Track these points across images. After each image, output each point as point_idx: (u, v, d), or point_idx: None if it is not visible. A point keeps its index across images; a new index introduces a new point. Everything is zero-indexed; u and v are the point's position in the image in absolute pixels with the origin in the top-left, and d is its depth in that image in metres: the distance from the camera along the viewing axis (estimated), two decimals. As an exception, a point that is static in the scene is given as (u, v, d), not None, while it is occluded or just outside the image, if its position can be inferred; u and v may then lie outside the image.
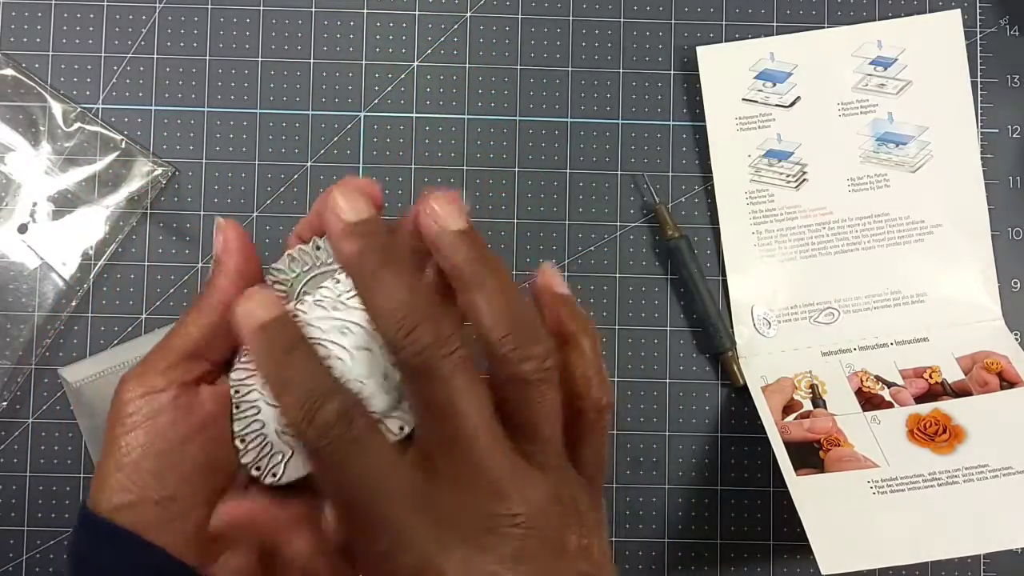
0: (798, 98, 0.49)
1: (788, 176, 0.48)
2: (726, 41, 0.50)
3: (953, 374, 0.46)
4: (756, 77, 0.49)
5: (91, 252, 0.48)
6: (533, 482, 0.26)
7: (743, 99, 0.49)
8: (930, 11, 0.49)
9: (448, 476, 0.25)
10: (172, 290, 0.48)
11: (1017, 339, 0.48)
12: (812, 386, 0.46)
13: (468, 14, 0.50)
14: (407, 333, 0.25)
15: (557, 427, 0.27)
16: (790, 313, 0.48)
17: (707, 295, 0.48)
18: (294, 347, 0.26)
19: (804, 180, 0.48)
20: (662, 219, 0.48)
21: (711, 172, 0.49)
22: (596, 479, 0.28)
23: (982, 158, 0.49)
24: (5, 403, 0.47)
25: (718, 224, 0.49)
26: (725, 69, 0.49)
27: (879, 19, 0.50)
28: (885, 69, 0.49)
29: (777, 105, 0.49)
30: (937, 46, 0.49)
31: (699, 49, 0.49)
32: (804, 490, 0.42)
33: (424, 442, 0.27)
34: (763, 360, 0.47)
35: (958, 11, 0.49)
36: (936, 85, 0.49)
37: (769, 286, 0.48)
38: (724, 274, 0.48)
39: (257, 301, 0.27)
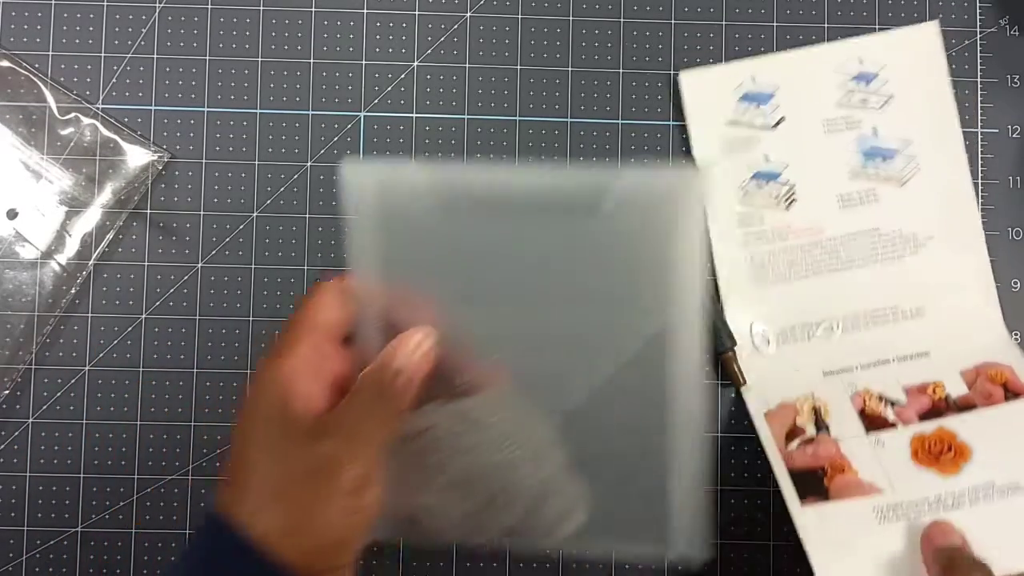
0: (783, 118, 0.48)
1: (777, 197, 0.48)
2: (726, 40, 0.50)
3: (957, 388, 0.45)
4: (740, 99, 0.48)
5: (90, 239, 0.48)
6: None
7: (728, 122, 0.49)
8: (929, 17, 0.49)
9: None
10: (172, 290, 0.48)
11: (1017, 340, 0.48)
12: (815, 409, 0.46)
13: (468, 14, 0.50)
14: None
15: None
16: (788, 334, 0.48)
17: (708, 296, 0.48)
18: None
19: (793, 200, 0.48)
20: None
21: (711, 172, 0.49)
22: None
23: (982, 158, 0.49)
24: (7, 391, 0.47)
25: (718, 224, 0.49)
26: (708, 93, 0.48)
27: (874, 30, 0.50)
28: (867, 84, 0.49)
29: (762, 127, 0.48)
30: (917, 58, 0.49)
31: (681, 75, 0.49)
32: (809, 521, 0.41)
33: None
34: (764, 384, 0.47)
35: (935, 22, 0.49)
36: (918, 97, 0.49)
37: (764, 308, 0.48)
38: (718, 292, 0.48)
39: None
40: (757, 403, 0.46)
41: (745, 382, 0.47)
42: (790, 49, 0.49)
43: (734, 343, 0.48)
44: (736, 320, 0.48)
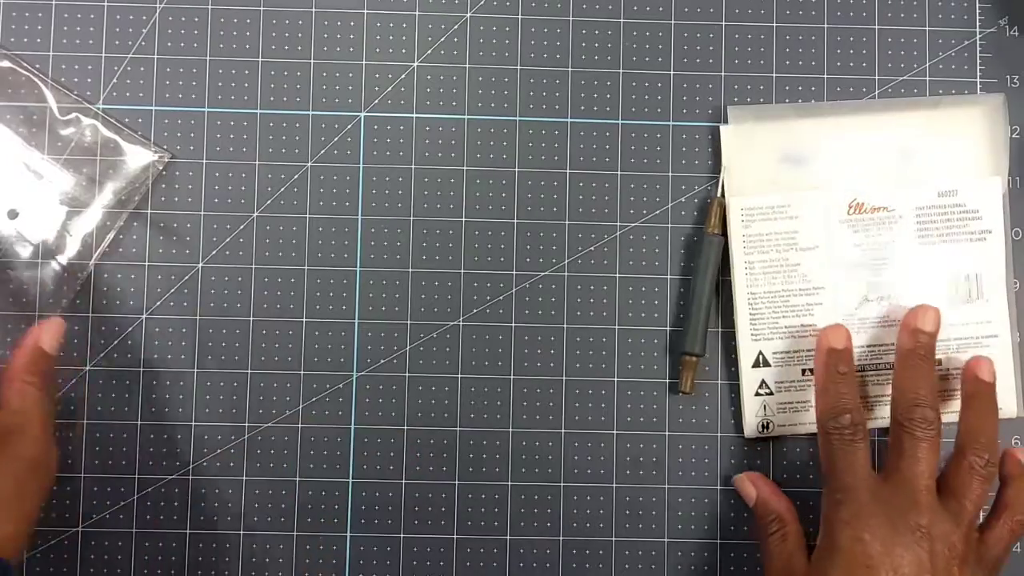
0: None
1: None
2: (726, 40, 0.50)
3: None
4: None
5: (91, 239, 0.48)
6: (942, 520, 0.40)
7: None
8: (929, 16, 0.49)
9: (896, 485, 0.41)
10: (172, 290, 0.48)
11: (1019, 340, 0.48)
12: None
13: (468, 14, 0.50)
14: (911, 407, 0.42)
15: (977, 506, 0.41)
16: None
17: (707, 296, 0.47)
18: (846, 372, 0.43)
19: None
20: (714, 212, 0.47)
21: (711, 172, 0.49)
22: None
23: (982, 158, 0.49)
24: None
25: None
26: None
27: (873, 28, 0.50)
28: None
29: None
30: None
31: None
32: None
33: (891, 463, 0.42)
34: None
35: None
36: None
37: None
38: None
39: (835, 333, 0.44)
40: None
41: (689, 391, 0.47)
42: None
43: (703, 352, 0.47)
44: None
